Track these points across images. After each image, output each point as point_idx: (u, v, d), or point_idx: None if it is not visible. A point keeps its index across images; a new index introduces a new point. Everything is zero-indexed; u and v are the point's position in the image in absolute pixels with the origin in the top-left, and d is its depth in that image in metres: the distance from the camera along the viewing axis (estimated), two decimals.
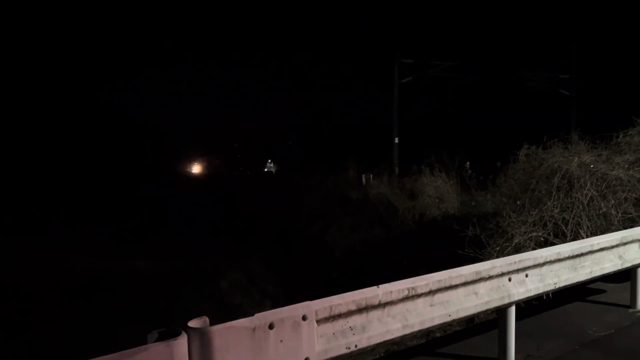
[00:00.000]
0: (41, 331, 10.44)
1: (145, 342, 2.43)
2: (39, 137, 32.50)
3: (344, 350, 3.21)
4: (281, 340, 2.86)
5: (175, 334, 2.48)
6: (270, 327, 2.82)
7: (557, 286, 4.86)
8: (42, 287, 13.07)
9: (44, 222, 20.62)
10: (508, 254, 6.36)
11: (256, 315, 2.83)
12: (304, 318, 2.98)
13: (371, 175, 20.46)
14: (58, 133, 33.37)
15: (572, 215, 7.33)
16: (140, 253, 16.56)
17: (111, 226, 20.86)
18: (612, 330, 5.22)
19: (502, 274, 4.31)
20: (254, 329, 2.75)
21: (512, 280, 4.40)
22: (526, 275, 4.56)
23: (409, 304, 3.64)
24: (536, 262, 4.64)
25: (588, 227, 7.24)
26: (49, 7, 34.29)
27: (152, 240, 18.45)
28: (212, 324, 2.66)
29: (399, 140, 22.36)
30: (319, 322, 3.10)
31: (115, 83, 37.99)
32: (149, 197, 26.42)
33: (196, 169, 50.67)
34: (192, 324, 2.60)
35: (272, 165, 52.75)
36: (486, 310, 4.26)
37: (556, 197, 7.54)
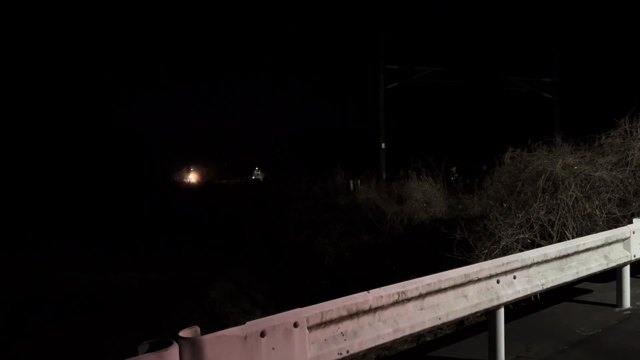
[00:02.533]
0: (30, 343, 10.27)
1: (136, 353, 2.41)
2: (30, 151, 32.25)
3: (335, 357, 3.21)
4: (273, 348, 2.86)
5: (166, 344, 2.47)
6: (262, 335, 2.82)
7: (544, 287, 4.91)
8: (30, 300, 12.88)
9: (34, 234, 20.36)
10: (496, 257, 6.41)
11: (247, 323, 2.82)
12: (296, 325, 2.97)
13: (359, 180, 20.50)
14: (47, 146, 33.13)
15: (557, 217, 7.41)
16: (129, 264, 16.40)
17: (100, 238, 20.66)
18: (600, 330, 5.28)
19: (491, 276, 4.35)
20: (245, 337, 2.75)
21: (500, 282, 4.44)
22: (514, 277, 4.60)
23: (399, 308, 3.65)
24: (524, 264, 4.68)
25: (574, 228, 7.33)
26: (47, 20, 34.15)
27: (141, 251, 18.29)
28: (202, 333, 2.65)
29: (385, 145, 22.49)
30: (310, 328, 3.10)
31: (105, 96, 37.91)
32: (138, 208, 26.23)
33: (185, 178, 50.49)
34: (183, 333, 2.59)
35: (259, 172, 52.73)
36: (475, 313, 4.29)
37: (542, 199, 7.62)
